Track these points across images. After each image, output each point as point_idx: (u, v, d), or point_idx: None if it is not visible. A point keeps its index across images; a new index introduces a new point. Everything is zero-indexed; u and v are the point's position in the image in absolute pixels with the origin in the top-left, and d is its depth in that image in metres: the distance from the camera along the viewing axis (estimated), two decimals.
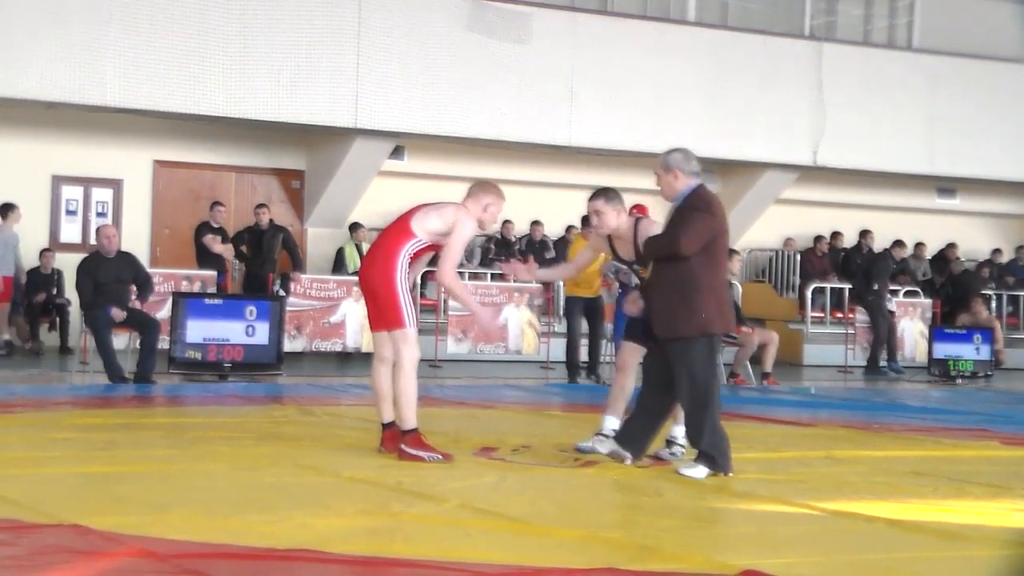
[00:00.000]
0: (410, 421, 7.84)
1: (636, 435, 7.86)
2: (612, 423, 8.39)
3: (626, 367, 8.50)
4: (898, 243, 19.88)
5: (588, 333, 15.09)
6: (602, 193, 8.38)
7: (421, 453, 7.76)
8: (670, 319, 7.62)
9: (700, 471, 7.53)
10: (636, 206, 14.70)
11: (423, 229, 7.94)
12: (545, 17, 18.97)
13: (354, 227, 18.55)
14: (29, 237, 17.55)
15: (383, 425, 8.17)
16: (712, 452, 7.61)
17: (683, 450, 8.36)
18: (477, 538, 5.59)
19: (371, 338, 16.50)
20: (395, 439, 8.07)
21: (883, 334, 18.59)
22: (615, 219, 8.29)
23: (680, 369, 7.60)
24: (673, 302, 7.59)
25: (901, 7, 22.59)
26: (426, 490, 6.72)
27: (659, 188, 7.84)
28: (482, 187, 8.21)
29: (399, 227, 8.05)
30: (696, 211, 7.61)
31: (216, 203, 17.12)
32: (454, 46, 18.31)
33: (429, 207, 8.09)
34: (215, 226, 16.64)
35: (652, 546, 5.44)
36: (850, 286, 19.75)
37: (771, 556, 5.32)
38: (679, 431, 8.43)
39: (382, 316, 7.97)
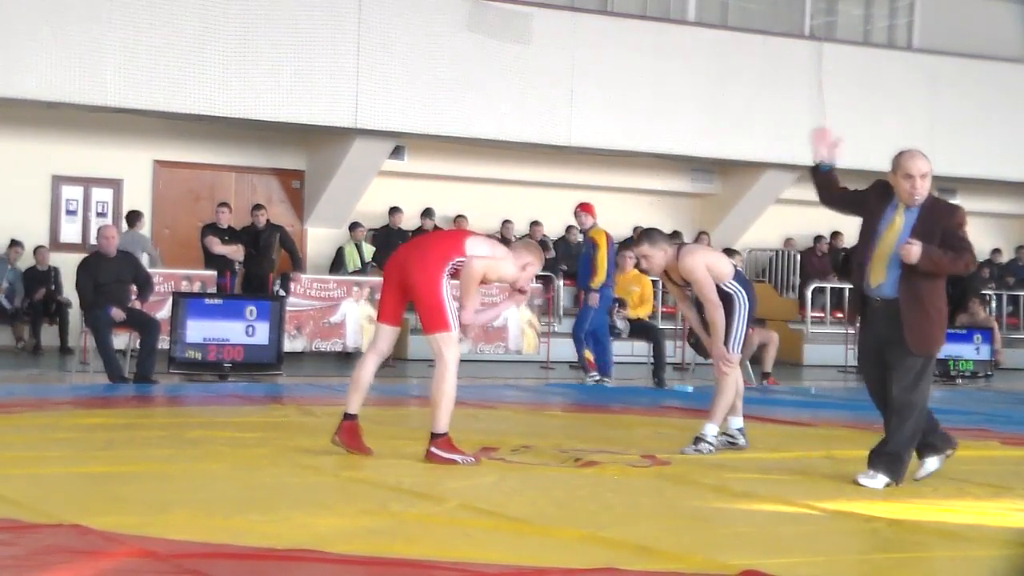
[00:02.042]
0: (443, 425, 7.77)
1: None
2: (737, 422, 8.91)
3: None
4: None
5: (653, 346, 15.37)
6: (644, 237, 8.59)
7: (455, 457, 7.71)
8: (929, 337, 7.41)
9: (879, 480, 7.30)
10: (582, 204, 14.90)
11: (473, 252, 7.92)
12: (545, 17, 18.97)
13: (353, 227, 18.55)
14: (29, 237, 17.58)
15: (345, 415, 8.03)
16: (905, 457, 7.41)
17: (711, 448, 8.51)
18: (477, 538, 5.59)
19: (370, 339, 16.53)
20: (351, 432, 7.96)
21: None
22: (663, 258, 8.57)
23: (912, 381, 7.35)
24: (933, 320, 7.42)
25: (901, 7, 22.60)
26: (426, 490, 6.72)
27: (910, 189, 7.43)
28: (526, 246, 8.35)
29: (453, 239, 8.11)
30: (963, 228, 7.42)
31: (222, 204, 17.10)
32: (454, 46, 18.31)
33: (485, 238, 8.20)
34: (222, 227, 16.61)
35: (652, 546, 5.44)
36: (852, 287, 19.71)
37: (771, 556, 5.32)
38: (711, 429, 8.58)
39: (422, 317, 7.85)
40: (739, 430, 8.90)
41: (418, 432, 8.63)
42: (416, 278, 7.80)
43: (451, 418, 7.83)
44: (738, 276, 8.82)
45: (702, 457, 8.44)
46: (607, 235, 14.66)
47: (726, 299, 8.61)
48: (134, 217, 16.98)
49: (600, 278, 14.53)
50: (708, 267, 8.58)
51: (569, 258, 19.91)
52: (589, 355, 14.62)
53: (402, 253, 8.08)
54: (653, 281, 14.76)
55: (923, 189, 7.40)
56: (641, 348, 16.53)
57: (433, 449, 7.74)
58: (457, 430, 9.01)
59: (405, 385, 14.00)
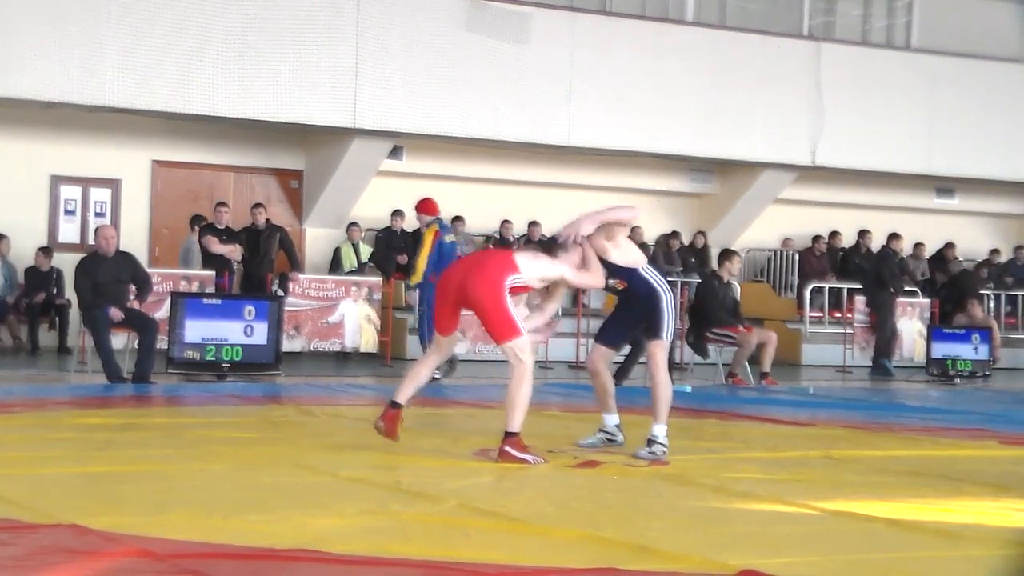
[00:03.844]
0: (517, 424, 7.94)
1: None
2: (613, 419, 8.75)
3: (598, 370, 8.77)
4: (894, 236, 19.20)
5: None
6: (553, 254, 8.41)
7: (526, 457, 7.86)
8: None
9: None
10: (420, 202, 15.03)
11: (527, 267, 8.12)
12: (544, 17, 18.98)
13: (349, 227, 18.55)
14: (27, 237, 17.57)
15: (392, 402, 8.24)
16: None
17: (664, 449, 8.33)
18: (476, 538, 5.59)
19: (369, 339, 16.53)
20: (393, 419, 8.18)
21: (889, 334, 18.57)
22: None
23: None
24: None
25: (900, 7, 22.60)
26: (424, 490, 6.72)
27: None
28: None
29: (504, 256, 8.33)
30: None
31: (219, 204, 17.09)
32: (453, 46, 18.31)
33: (527, 253, 8.41)
34: (220, 227, 16.60)
35: (650, 546, 5.44)
36: (855, 286, 19.65)
37: (769, 556, 5.32)
38: (660, 430, 8.41)
39: (491, 330, 8.09)
40: (617, 427, 8.76)
41: (415, 432, 8.65)
42: (480, 292, 7.98)
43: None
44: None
45: (701, 457, 8.43)
46: (437, 233, 14.68)
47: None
48: (196, 222, 17.16)
49: (416, 277, 14.62)
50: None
51: None
52: None
53: (458, 271, 8.31)
54: None
55: None
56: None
57: (507, 448, 7.88)
58: (456, 430, 9.04)
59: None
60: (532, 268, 8.14)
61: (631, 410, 11.22)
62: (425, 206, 14.85)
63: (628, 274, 8.47)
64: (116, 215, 18.32)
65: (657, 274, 8.57)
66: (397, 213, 18.84)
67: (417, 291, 14.76)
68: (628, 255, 8.42)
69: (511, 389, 7.99)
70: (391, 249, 18.43)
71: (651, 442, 8.37)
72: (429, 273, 14.40)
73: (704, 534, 5.92)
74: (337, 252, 18.47)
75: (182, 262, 17.20)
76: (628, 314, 8.70)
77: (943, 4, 22.58)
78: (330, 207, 19.18)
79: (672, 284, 19.56)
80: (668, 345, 8.60)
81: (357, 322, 16.10)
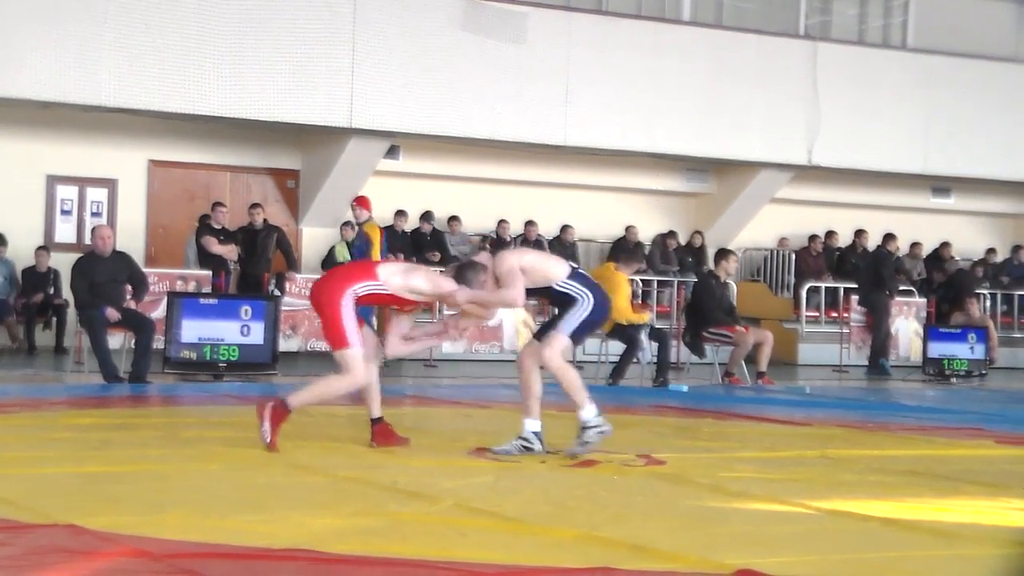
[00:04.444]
0: (296, 400, 8.03)
1: None
2: (534, 425, 8.21)
3: (524, 366, 8.27)
4: (890, 236, 19.07)
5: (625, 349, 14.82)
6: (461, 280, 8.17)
7: (265, 425, 7.93)
8: None
9: None
10: (358, 198, 15.17)
11: (389, 277, 8.03)
12: (541, 17, 18.98)
13: (343, 225, 18.54)
14: (24, 237, 17.56)
15: (372, 420, 8.32)
16: None
17: (600, 430, 8.09)
18: (472, 538, 5.59)
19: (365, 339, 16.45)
20: (383, 433, 8.29)
21: (884, 335, 18.56)
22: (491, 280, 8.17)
23: None
24: None
25: (896, 6, 22.62)
26: (421, 490, 6.72)
27: None
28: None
29: (363, 267, 8.45)
30: None
31: (217, 203, 17.08)
32: (450, 46, 18.32)
33: (398, 264, 8.55)
34: (216, 227, 16.60)
35: (647, 546, 5.45)
36: (851, 285, 19.65)
37: (766, 555, 5.32)
38: (587, 412, 8.11)
39: (325, 336, 8.17)
40: (535, 434, 8.17)
41: (413, 432, 8.65)
42: (320, 301, 8.07)
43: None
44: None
45: (697, 456, 8.43)
46: (381, 230, 14.98)
47: None
48: (205, 221, 17.23)
49: None
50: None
51: (566, 258, 19.89)
52: None
53: (317, 283, 8.39)
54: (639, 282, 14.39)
55: None
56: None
57: (264, 414, 7.93)
58: (452, 429, 9.03)
59: (400, 385, 14.00)
60: (398, 279, 8.02)
61: (627, 410, 11.27)
62: (365, 202, 15.17)
63: (544, 292, 8.30)
64: (113, 215, 18.32)
65: (578, 285, 8.15)
66: (400, 213, 18.88)
67: None
68: (535, 276, 8.14)
69: (328, 379, 8.11)
70: (393, 249, 18.44)
71: (583, 429, 8.12)
72: None
73: (701, 533, 5.92)
74: (331, 252, 18.46)
75: (188, 261, 17.33)
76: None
77: (939, 3, 22.60)
78: (327, 207, 19.18)
79: (668, 284, 19.86)
80: (565, 341, 8.17)
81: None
